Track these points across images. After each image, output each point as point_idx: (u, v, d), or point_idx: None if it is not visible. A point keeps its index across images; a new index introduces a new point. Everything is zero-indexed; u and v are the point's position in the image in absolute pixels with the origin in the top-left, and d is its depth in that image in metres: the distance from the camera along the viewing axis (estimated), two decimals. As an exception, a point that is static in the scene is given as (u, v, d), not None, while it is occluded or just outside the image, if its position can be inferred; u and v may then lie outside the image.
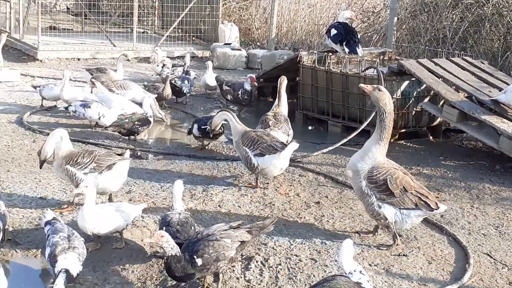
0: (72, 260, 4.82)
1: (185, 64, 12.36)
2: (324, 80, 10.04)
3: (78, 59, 14.59)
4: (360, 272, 4.61)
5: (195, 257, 4.82)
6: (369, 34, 15.02)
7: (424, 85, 9.25)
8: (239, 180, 7.55)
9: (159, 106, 10.03)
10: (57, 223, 5.18)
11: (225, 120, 7.74)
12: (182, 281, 4.99)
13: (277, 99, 8.60)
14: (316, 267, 5.50)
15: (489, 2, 12.38)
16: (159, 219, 5.93)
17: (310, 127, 10.25)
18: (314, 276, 5.34)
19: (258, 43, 17.24)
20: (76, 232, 5.18)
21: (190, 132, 8.75)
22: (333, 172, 7.96)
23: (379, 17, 15.33)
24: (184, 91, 11.05)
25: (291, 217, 6.56)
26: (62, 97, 9.92)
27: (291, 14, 17.18)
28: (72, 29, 17.35)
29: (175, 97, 11.08)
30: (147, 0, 18.95)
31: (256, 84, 10.96)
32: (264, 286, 5.18)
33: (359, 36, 10.98)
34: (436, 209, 5.76)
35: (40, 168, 6.58)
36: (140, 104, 9.44)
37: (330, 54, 10.23)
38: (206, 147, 8.76)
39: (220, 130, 8.48)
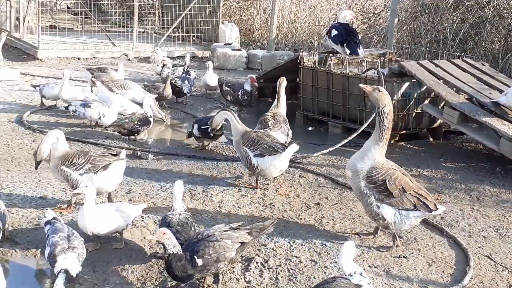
0: (71, 260, 4.81)
1: (185, 64, 12.35)
2: (325, 81, 10.03)
3: (78, 59, 14.58)
4: (361, 274, 4.59)
5: (195, 257, 4.82)
6: (369, 35, 15.02)
7: (425, 87, 9.24)
8: (239, 180, 7.54)
9: (159, 106, 10.02)
10: (57, 222, 5.17)
11: (226, 120, 7.73)
12: (181, 281, 4.98)
13: (276, 99, 8.61)
14: (316, 268, 5.48)
15: (490, 4, 12.38)
16: (159, 219, 5.92)
17: (310, 128, 10.24)
18: (314, 277, 5.33)
19: (258, 44, 17.24)
20: (76, 232, 5.17)
21: (190, 135, 8.73)
22: (333, 173, 7.96)
23: (380, 18, 15.33)
24: (185, 91, 11.04)
25: (291, 218, 6.55)
26: (61, 97, 9.89)
27: (292, 14, 17.17)
28: (72, 29, 17.34)
29: (175, 97, 11.07)
30: (147, -1, 18.96)
31: (256, 84, 10.95)
32: (264, 287, 5.17)
33: (359, 37, 10.97)
34: (434, 210, 5.76)
35: (36, 169, 6.54)
36: (140, 104, 9.43)
37: (330, 55, 10.22)
38: (206, 148, 8.74)
39: (221, 132, 8.47)
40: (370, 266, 5.57)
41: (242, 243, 5.02)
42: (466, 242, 6.15)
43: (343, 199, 7.16)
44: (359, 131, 8.89)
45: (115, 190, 6.94)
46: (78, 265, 4.84)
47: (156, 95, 10.00)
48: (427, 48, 12.39)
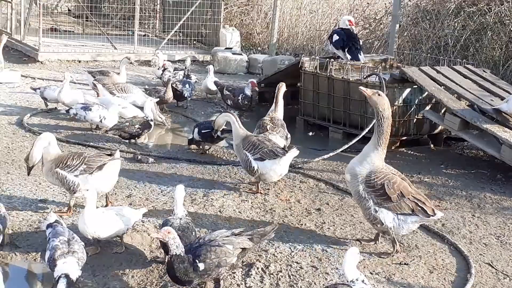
0: (71, 265, 4.79)
1: (186, 68, 12.35)
2: (326, 86, 10.02)
3: (79, 61, 14.57)
4: (363, 281, 4.58)
5: (197, 261, 4.80)
6: (370, 40, 15.01)
7: (426, 93, 9.24)
8: (239, 185, 7.53)
9: (160, 110, 10.01)
10: (58, 226, 5.15)
11: (228, 124, 7.73)
12: (181, 284, 4.95)
13: (274, 104, 8.64)
14: (317, 274, 5.47)
15: (491, 11, 12.39)
16: (159, 223, 5.91)
17: (310, 133, 10.23)
18: (315, 283, 5.32)
19: (259, 48, 17.24)
20: (77, 236, 5.15)
21: (191, 142, 8.72)
22: (334, 179, 7.94)
23: (381, 23, 15.32)
24: (185, 95, 11.03)
25: (292, 223, 6.54)
26: (60, 100, 9.87)
27: (293, 19, 17.17)
28: (73, 31, 17.32)
29: (176, 101, 11.06)
30: (148, 3, 18.93)
31: (257, 89, 10.95)
32: (264, 293, 5.16)
33: (361, 43, 10.96)
34: (432, 216, 5.75)
35: (28, 174, 6.48)
36: (141, 108, 9.43)
37: (332, 60, 10.22)
38: (207, 152, 8.73)
39: (223, 136, 8.47)
40: (371, 273, 5.56)
41: (243, 249, 5.01)
42: (467, 249, 6.14)
43: (344, 205, 7.15)
44: (360, 137, 8.88)
45: (115, 194, 6.94)
46: (78, 269, 4.82)
47: (158, 99, 9.99)
48: (428, 54, 12.38)
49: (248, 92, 10.68)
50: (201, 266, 4.80)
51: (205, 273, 4.85)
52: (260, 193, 7.28)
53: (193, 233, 5.47)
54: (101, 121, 9.05)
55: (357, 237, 6.29)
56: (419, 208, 5.72)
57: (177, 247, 4.78)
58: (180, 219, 5.45)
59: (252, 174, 7.23)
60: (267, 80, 11.56)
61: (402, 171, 6.43)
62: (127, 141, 8.87)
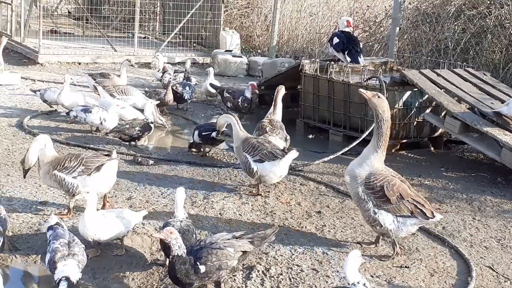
0: (71, 267, 4.78)
1: (186, 70, 12.34)
2: (326, 89, 10.02)
3: (79, 63, 14.56)
4: (364, 284, 4.57)
5: (198, 263, 4.80)
6: (370, 43, 15.02)
7: (426, 96, 9.24)
8: (240, 188, 7.52)
9: (160, 112, 10.01)
10: (59, 228, 5.14)
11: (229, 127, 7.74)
12: (182, 287, 4.92)
13: (272, 106, 8.66)
14: (318, 277, 5.46)
15: (491, 14, 12.40)
16: (160, 226, 5.89)
17: (310, 136, 10.22)
18: (315, 286, 5.31)
19: (259, 51, 17.24)
20: (77, 238, 5.14)
21: (192, 146, 8.71)
22: (334, 182, 7.94)
23: (381, 26, 15.33)
24: (185, 98, 11.03)
25: (292, 226, 6.53)
26: (60, 102, 9.86)
27: (293, 22, 17.18)
28: (73, 33, 17.32)
29: (176, 103, 11.06)
30: (148, 5, 18.94)
31: (257, 91, 10.95)
32: (265, 296, 5.15)
33: (361, 45, 10.97)
34: (431, 218, 5.75)
35: (24, 177, 6.46)
36: (141, 110, 9.42)
37: (332, 62, 10.22)
38: (207, 154, 8.72)
39: (224, 138, 8.48)
40: (372, 276, 5.55)
41: (244, 252, 5.00)
42: (468, 253, 6.13)
43: (344, 207, 7.14)
44: (360, 139, 8.86)
45: (115, 196, 6.94)
46: (78, 272, 4.81)
47: (158, 101, 9.98)
48: (428, 57, 12.38)
49: (248, 94, 10.68)
50: (202, 268, 4.79)
51: (206, 276, 4.84)
52: (261, 195, 7.28)
53: (194, 235, 5.47)
54: (101, 123, 9.04)
55: (357, 240, 6.28)
56: (418, 210, 5.72)
57: (179, 247, 4.78)
58: (181, 221, 5.44)
59: (252, 175, 7.24)
60: (267, 82, 11.56)
61: (402, 174, 6.42)
62: (127, 143, 8.87)
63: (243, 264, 5.46)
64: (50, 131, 9.20)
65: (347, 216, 6.88)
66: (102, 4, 20.04)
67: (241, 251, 4.97)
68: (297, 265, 5.64)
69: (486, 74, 9.94)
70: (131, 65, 11.71)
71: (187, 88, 11.03)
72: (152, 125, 8.97)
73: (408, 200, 5.74)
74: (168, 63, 13.60)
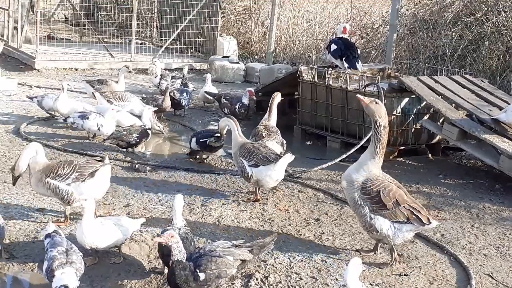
0: (69, 275, 4.75)
1: (183, 76, 12.32)
2: (324, 96, 10.01)
3: (76, 69, 14.53)
4: (364, 293, 4.55)
5: (198, 271, 4.77)
6: (367, 50, 15.03)
7: (424, 103, 9.24)
8: (238, 195, 7.50)
9: (157, 119, 9.98)
10: (57, 236, 5.10)
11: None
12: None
13: (267, 113, 8.66)
14: (317, 285, 5.43)
15: (488, 21, 12.41)
16: (158, 233, 5.85)
17: (308, 142, 10.21)
18: (314, 295, 5.28)
19: (256, 57, 17.24)
20: (75, 246, 5.10)
21: (191, 152, 8.69)
22: (332, 189, 7.91)
23: (378, 33, 15.35)
24: (183, 104, 11.00)
25: (291, 233, 6.50)
26: (56, 109, 9.83)
27: (290, 28, 17.19)
28: (70, 39, 17.30)
29: (173, 109, 11.03)
30: (145, 11, 18.93)
31: (255, 98, 10.93)
32: (264, 304, 5.12)
33: (359, 52, 10.98)
34: (427, 224, 5.74)
35: (14, 185, 6.40)
36: (138, 117, 9.39)
37: (330, 69, 10.21)
38: (205, 161, 8.70)
39: (220, 144, 8.47)
40: (371, 284, 5.52)
41: (243, 261, 4.98)
42: (467, 260, 6.11)
43: (343, 214, 7.12)
44: (358, 146, 8.85)
45: (113, 203, 6.90)
46: (76, 280, 4.78)
47: (156, 107, 9.95)
48: (426, 64, 12.40)
49: (245, 101, 10.66)
50: (202, 276, 4.77)
51: (205, 284, 4.81)
52: (258, 200, 7.26)
53: (192, 243, 5.44)
54: (98, 129, 9.00)
55: (356, 247, 6.26)
56: (414, 217, 5.72)
57: (179, 251, 4.75)
58: (179, 229, 5.41)
59: (248, 180, 7.23)
60: (265, 89, 11.54)
61: (400, 181, 6.41)
62: (124, 150, 8.84)
63: (242, 272, 5.43)
64: (47, 137, 9.17)
65: (346, 224, 6.86)
66: (99, 10, 20.03)
67: (240, 260, 4.95)
68: (296, 273, 5.61)
69: (484, 81, 9.94)
70: (129, 72, 11.69)
71: (184, 94, 11.01)
72: (149, 132, 8.94)
73: (404, 206, 5.74)
74: (165, 69, 13.58)
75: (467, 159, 9.55)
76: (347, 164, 8.51)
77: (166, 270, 5.28)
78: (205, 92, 11.53)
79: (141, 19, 18.16)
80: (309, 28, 17.11)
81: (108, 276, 5.35)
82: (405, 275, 5.75)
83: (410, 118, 9.41)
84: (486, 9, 12.66)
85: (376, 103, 5.95)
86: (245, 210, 7.02)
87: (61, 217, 6.36)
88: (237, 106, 10.63)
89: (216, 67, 14.85)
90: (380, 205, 5.73)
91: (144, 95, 11.33)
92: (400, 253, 6.12)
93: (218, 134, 8.24)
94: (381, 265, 5.89)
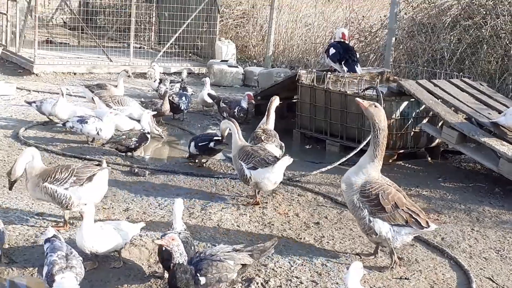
0: (69, 280, 4.73)
1: (182, 80, 12.32)
2: (323, 99, 10.01)
3: (74, 74, 14.51)
4: (365, 297, 4.54)
5: (198, 275, 4.76)
6: (366, 53, 15.04)
7: (423, 106, 9.23)
8: (238, 199, 7.49)
9: (156, 123, 9.97)
10: (56, 241, 5.08)
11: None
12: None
13: (265, 116, 8.66)
14: (317, 289, 5.42)
15: (487, 24, 12.43)
16: (157, 238, 5.83)
17: (307, 146, 10.20)
18: (315, 299, 5.27)
19: (254, 61, 17.24)
20: (75, 250, 5.09)
21: (190, 157, 8.69)
22: (332, 192, 7.90)
23: (376, 36, 15.36)
24: (182, 108, 11.00)
25: (291, 237, 6.49)
26: (55, 114, 9.81)
27: (288, 32, 17.20)
28: (68, 43, 17.28)
29: (172, 113, 11.02)
30: (144, 15, 18.94)
31: (253, 101, 10.93)
32: (264, 308, 5.10)
33: (358, 55, 10.99)
34: (426, 228, 5.74)
35: (10, 189, 6.39)
36: (137, 121, 9.38)
37: (329, 73, 10.21)
38: (204, 165, 8.68)
39: (222, 147, 8.47)
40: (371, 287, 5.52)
41: (244, 265, 4.97)
42: (467, 264, 6.10)
43: (343, 218, 7.11)
44: (358, 150, 8.84)
45: (112, 207, 6.89)
46: (76, 285, 4.77)
47: (155, 112, 9.94)
48: (424, 67, 12.40)
49: (244, 104, 10.66)
50: (203, 280, 4.76)
51: (205, 288, 4.80)
52: (258, 203, 7.25)
53: (192, 247, 5.42)
54: (97, 133, 8.99)
55: (356, 251, 6.25)
56: (413, 220, 5.72)
57: (180, 254, 4.74)
58: (179, 233, 5.39)
59: (247, 182, 7.23)
60: (263, 92, 11.54)
61: (400, 184, 6.40)
62: (123, 154, 8.82)
63: (242, 277, 5.41)
64: (46, 142, 9.16)
65: (346, 227, 6.85)
66: (98, 14, 20.02)
67: (241, 264, 4.94)
68: (296, 277, 5.60)
69: (482, 84, 9.95)
70: (128, 76, 11.67)
71: (183, 98, 11.00)
72: (148, 136, 8.93)
73: (403, 209, 5.74)
74: (163, 73, 13.57)
75: (467, 162, 9.55)
76: (346, 168, 8.46)
77: (166, 275, 5.27)
78: (208, 94, 11.51)
79: (139, 23, 18.17)
80: (307, 32, 17.13)
81: (108, 280, 5.34)
82: (405, 278, 5.74)
83: (409, 122, 9.41)
84: (484, 12, 12.68)
85: (375, 106, 5.96)
86: (244, 214, 7.01)
87: (61, 221, 6.34)
88: (236, 110, 10.62)
89: (215, 71, 14.84)
90: (379, 208, 5.73)
91: (143, 99, 11.32)
92: (401, 257, 6.11)
93: (218, 138, 8.24)
94: (382, 268, 5.88)
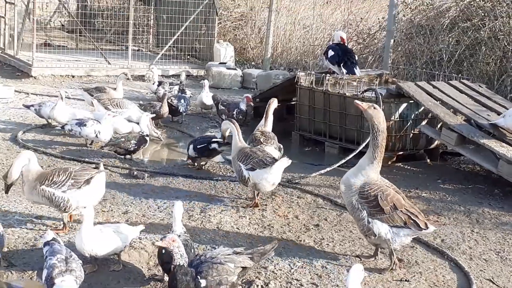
0: (69, 283, 4.72)
1: (181, 82, 12.31)
2: (322, 101, 10.00)
3: (73, 76, 14.50)
4: (367, 299, 4.53)
5: (199, 277, 4.74)
6: (364, 55, 15.04)
7: (422, 108, 9.23)
8: (237, 201, 7.47)
9: (155, 125, 9.96)
10: (56, 244, 5.07)
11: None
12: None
13: (263, 119, 8.64)
14: (318, 292, 5.41)
15: (485, 26, 12.43)
16: (157, 240, 5.82)
17: (306, 148, 10.19)
18: (315, 301, 5.26)
19: (253, 63, 17.23)
20: (74, 254, 5.07)
21: (189, 159, 8.68)
22: (331, 194, 7.89)
23: (375, 38, 15.37)
24: (181, 110, 10.99)
25: (291, 239, 6.48)
26: (53, 117, 9.79)
27: (287, 34, 17.20)
28: (66, 46, 17.27)
29: (171, 116, 11.01)
30: (142, 18, 18.93)
31: (252, 104, 10.93)
32: (265, 311, 5.09)
33: (356, 57, 10.99)
34: (425, 229, 5.73)
35: (6, 193, 6.35)
36: (136, 123, 9.37)
37: (328, 75, 10.20)
38: (203, 167, 8.67)
39: (223, 149, 8.47)
40: (372, 290, 5.51)
41: (244, 268, 4.96)
42: (467, 265, 6.09)
43: (342, 220, 7.10)
44: (356, 152, 8.83)
45: (112, 210, 6.88)
46: (76, 288, 4.75)
47: (153, 114, 9.93)
48: (423, 69, 12.40)
49: (243, 107, 10.66)
50: (203, 282, 4.74)
51: (205, 291, 4.79)
52: (257, 205, 7.24)
53: (192, 250, 5.41)
54: (96, 135, 8.98)
55: (356, 253, 6.24)
56: (412, 221, 5.71)
57: (181, 256, 4.73)
58: (179, 236, 5.38)
59: (245, 184, 7.23)
60: (262, 95, 11.53)
61: (399, 186, 6.39)
62: (122, 156, 8.81)
63: (242, 279, 5.40)
64: (44, 145, 9.14)
65: (346, 229, 6.83)
66: (96, 17, 20.02)
67: (241, 267, 4.92)
68: (296, 280, 5.59)
69: (481, 86, 9.95)
70: (127, 78, 11.66)
71: (182, 101, 10.99)
72: (147, 138, 8.91)
73: (401, 211, 5.74)
74: (162, 75, 13.55)
75: (465, 163, 9.55)
76: (345, 170, 8.45)
77: (165, 278, 5.26)
78: (212, 96, 11.49)
79: (137, 26, 18.16)
80: (305, 34, 17.12)
81: (107, 283, 5.32)
82: (406, 280, 5.73)
83: (408, 124, 9.41)
84: (482, 14, 12.68)
85: (374, 108, 5.96)
86: (244, 216, 7.00)
87: (60, 224, 6.32)
88: (234, 112, 10.62)
89: (213, 74, 14.83)
90: (378, 209, 5.73)
91: (141, 102, 11.31)
92: (401, 259, 6.10)
93: (219, 140, 8.23)
94: (382, 270, 5.87)
